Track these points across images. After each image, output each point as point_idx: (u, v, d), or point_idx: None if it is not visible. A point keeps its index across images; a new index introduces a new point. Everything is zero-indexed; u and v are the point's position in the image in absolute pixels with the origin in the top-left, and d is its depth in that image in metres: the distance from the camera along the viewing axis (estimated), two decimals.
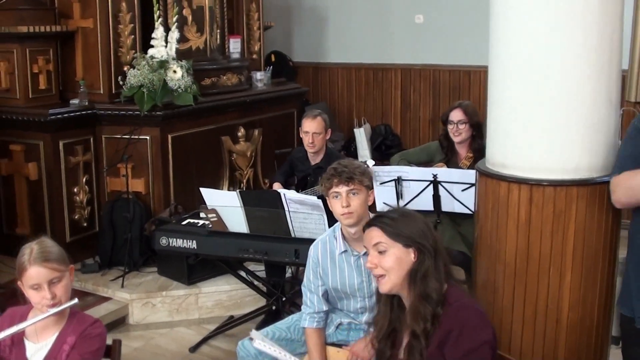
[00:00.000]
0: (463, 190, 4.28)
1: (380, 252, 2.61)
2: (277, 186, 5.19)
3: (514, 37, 3.11)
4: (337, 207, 3.30)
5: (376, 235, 2.62)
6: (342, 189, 3.28)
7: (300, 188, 5.09)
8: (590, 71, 3.03)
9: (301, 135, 5.15)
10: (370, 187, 3.38)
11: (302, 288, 3.52)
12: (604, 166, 3.09)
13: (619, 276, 3.63)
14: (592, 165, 3.08)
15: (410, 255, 2.58)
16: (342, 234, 3.39)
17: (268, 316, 4.88)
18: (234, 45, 6.96)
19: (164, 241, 4.67)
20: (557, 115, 3.03)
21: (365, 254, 3.33)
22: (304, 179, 5.17)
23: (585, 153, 3.06)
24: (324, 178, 3.36)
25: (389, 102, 8.53)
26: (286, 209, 4.19)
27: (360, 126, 8.47)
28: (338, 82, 8.86)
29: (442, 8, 8.02)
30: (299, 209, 4.16)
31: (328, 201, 3.38)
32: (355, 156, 8.08)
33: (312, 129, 5.05)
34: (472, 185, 4.06)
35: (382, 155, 8.19)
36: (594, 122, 3.06)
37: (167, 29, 5.86)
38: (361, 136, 8.28)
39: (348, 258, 3.39)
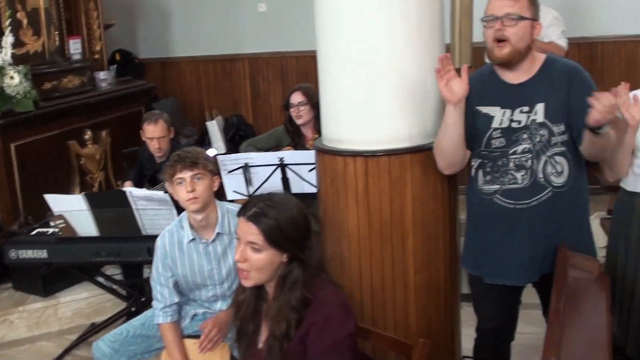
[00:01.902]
0: (310, 170, 4.32)
1: (253, 249, 2.48)
2: (127, 185, 5.09)
3: (337, 16, 3.16)
4: (182, 193, 3.27)
5: (253, 233, 2.47)
6: (187, 174, 3.26)
7: (151, 186, 5.02)
8: (414, 44, 3.11)
9: (144, 139, 5.06)
10: (214, 173, 3.38)
11: (152, 282, 3.47)
12: (434, 132, 3.18)
13: (463, 237, 3.78)
14: (422, 132, 3.16)
15: (282, 257, 2.51)
16: (190, 223, 3.37)
17: (129, 318, 4.78)
18: (74, 47, 6.77)
19: (12, 254, 4.48)
20: (384, 87, 3.10)
21: (214, 240, 3.35)
22: (154, 177, 5.09)
23: (415, 121, 3.15)
24: (168, 166, 3.33)
25: (239, 92, 8.53)
26: (133, 207, 4.11)
27: (212, 119, 8.42)
28: (187, 76, 8.77)
29: None
30: (147, 205, 4.10)
31: (172, 189, 3.34)
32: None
33: (156, 134, 4.97)
34: None
35: (236, 146, 8.15)
36: (421, 92, 3.14)
37: (1, 34, 5.65)
38: (214, 129, 8.24)
39: (197, 246, 3.37)
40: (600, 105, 2.67)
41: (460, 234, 3.52)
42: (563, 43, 5.93)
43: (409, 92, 3.12)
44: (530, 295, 3.37)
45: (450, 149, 3.03)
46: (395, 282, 3.22)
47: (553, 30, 5.93)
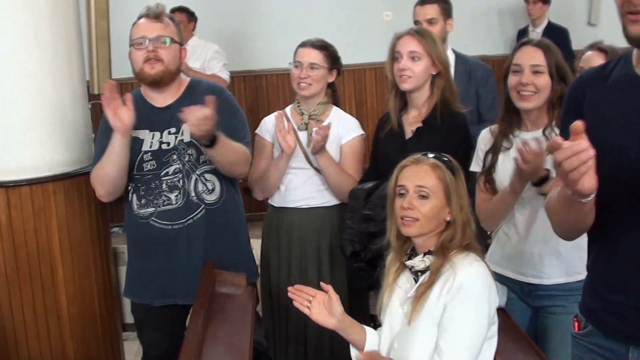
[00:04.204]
0: None
1: None
2: None
3: None
4: None
5: None
6: None
7: None
8: (50, 70, 3.12)
9: None
10: None
11: None
12: (78, 159, 3.20)
13: (122, 265, 3.78)
14: (66, 159, 3.16)
15: None
16: None
17: None
18: None
19: None
20: (22, 115, 3.07)
21: None
22: None
23: (57, 149, 3.14)
24: None
25: None
26: None
27: None
28: None
29: None
30: None
31: None
32: None
33: None
34: None
35: None
36: (62, 119, 3.15)
37: None
38: None
39: None
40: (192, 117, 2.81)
41: (120, 262, 3.55)
42: (225, 75, 6.19)
43: (49, 119, 3.12)
44: None
45: (115, 176, 3.02)
46: (48, 315, 3.17)
47: (215, 64, 6.18)
